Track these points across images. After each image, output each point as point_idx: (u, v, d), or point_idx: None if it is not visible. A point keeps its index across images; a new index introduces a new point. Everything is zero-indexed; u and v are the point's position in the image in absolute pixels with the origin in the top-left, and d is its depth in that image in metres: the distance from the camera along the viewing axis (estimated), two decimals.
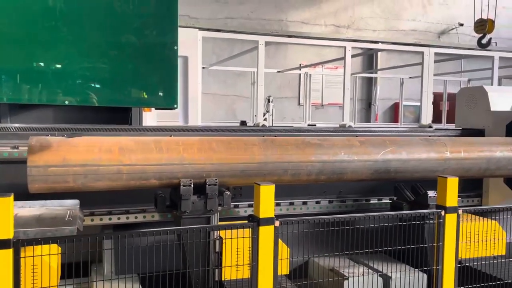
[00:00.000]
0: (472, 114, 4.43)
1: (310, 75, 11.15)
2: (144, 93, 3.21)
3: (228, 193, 2.87)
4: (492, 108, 4.26)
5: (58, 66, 3.10)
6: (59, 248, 2.22)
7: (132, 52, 3.18)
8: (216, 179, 2.78)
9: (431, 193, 3.19)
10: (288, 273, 3.00)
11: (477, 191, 4.25)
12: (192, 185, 2.74)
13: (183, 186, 2.72)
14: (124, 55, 3.17)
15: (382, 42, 12.35)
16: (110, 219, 3.20)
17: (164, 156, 2.70)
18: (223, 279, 2.77)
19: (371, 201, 3.91)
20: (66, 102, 3.12)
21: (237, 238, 2.29)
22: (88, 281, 2.86)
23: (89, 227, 3.18)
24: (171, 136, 3.32)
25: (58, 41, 3.09)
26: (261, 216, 2.23)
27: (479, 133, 4.30)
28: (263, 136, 3.64)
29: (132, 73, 3.19)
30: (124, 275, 2.70)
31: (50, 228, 2.32)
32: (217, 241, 2.76)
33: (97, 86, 3.15)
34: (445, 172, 3.26)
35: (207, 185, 2.77)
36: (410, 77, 11.02)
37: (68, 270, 2.44)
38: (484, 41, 10.16)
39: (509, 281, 3.08)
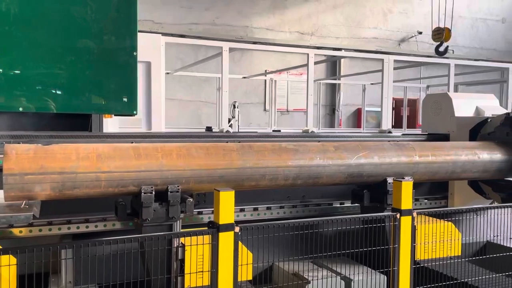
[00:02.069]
0: (437, 120, 4.59)
1: (275, 81, 11.26)
2: (103, 99, 3.16)
3: (191, 199, 2.86)
4: (456, 114, 4.42)
5: (14, 72, 3.01)
6: (14, 258, 2.16)
7: (90, 58, 3.12)
8: (178, 186, 2.78)
9: (390, 180, 3.28)
10: (251, 279, 3.01)
11: (443, 193, 4.40)
12: (154, 192, 2.72)
13: (144, 193, 2.69)
14: (81, 60, 3.11)
15: (345, 49, 12.62)
16: (69, 228, 3.13)
17: (143, 163, 2.69)
18: (185, 286, 2.75)
19: (334, 205, 3.98)
20: (20, 109, 3.03)
21: (197, 245, 2.29)
22: None
23: (47, 237, 3.10)
24: (132, 142, 3.29)
25: (13, 46, 3.00)
26: (221, 222, 2.24)
27: (444, 137, 4.45)
28: (226, 142, 3.65)
29: (90, 79, 3.14)
30: (84, 286, 2.64)
31: (4, 214, 2.24)
32: (180, 249, 2.74)
33: (54, 92, 3.08)
34: (414, 175, 3.37)
35: (169, 192, 2.75)
36: (372, 84, 11.30)
37: (25, 282, 2.37)
38: (441, 48, 10.55)
39: (463, 280, 3.20)
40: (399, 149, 3.47)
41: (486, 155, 3.75)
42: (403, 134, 4.73)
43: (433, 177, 3.65)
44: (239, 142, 3.68)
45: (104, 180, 2.60)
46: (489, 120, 4.14)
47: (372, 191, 3.45)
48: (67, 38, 3.09)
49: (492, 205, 3.73)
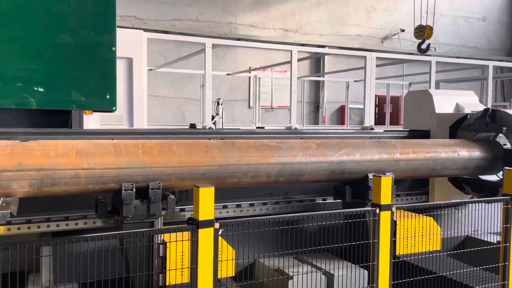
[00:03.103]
0: (418, 116, 4.64)
1: (260, 78, 11.25)
2: (80, 95, 3.12)
3: (172, 197, 2.84)
4: (437, 110, 4.48)
5: None
6: None
7: (67, 53, 3.06)
8: (159, 183, 2.76)
9: (371, 176, 3.30)
10: (233, 275, 3.02)
11: (424, 188, 4.45)
12: (135, 189, 2.69)
13: (125, 190, 2.67)
14: (59, 55, 3.05)
15: (329, 47, 12.66)
16: (48, 226, 3.09)
17: (123, 160, 2.67)
18: (167, 283, 2.74)
19: (316, 201, 4.00)
20: None
21: (176, 241, 2.28)
22: None
23: (26, 235, 3.05)
24: (113, 139, 3.25)
25: None
26: (201, 218, 2.23)
27: (425, 134, 4.51)
28: (209, 139, 3.64)
29: (68, 74, 3.08)
30: (64, 284, 2.61)
31: None
32: (161, 246, 2.73)
33: (30, 87, 3.03)
34: (396, 172, 3.40)
35: (150, 189, 2.73)
36: (355, 81, 11.37)
37: (3, 281, 2.33)
38: (423, 46, 10.64)
39: (442, 274, 3.25)
40: (380, 146, 3.51)
41: (466, 153, 3.80)
42: (385, 131, 4.77)
43: (414, 174, 3.69)
44: (222, 139, 3.68)
45: (83, 177, 2.58)
46: (468, 117, 4.20)
47: (354, 187, 3.48)
48: (44, 33, 3.04)
49: (471, 200, 3.79)
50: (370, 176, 3.31)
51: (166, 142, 2.91)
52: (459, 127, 4.24)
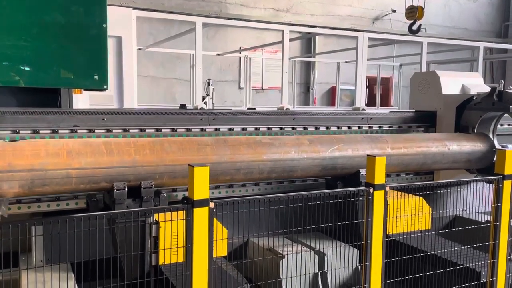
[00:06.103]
0: (424, 97, 4.66)
1: (250, 58, 11.14)
2: (71, 73, 3.06)
3: (165, 194, 2.83)
4: (444, 92, 4.49)
5: None
6: None
7: (57, 30, 2.99)
8: (151, 182, 2.74)
9: (363, 171, 3.33)
10: (226, 255, 3.03)
11: None
12: (127, 188, 2.66)
13: (117, 190, 2.64)
14: (48, 33, 2.98)
15: (320, 27, 12.55)
16: (39, 206, 3.06)
17: (115, 159, 2.65)
18: (160, 263, 2.74)
19: (308, 182, 4.01)
20: None
21: (171, 220, 2.27)
22: (18, 270, 2.73)
23: (17, 216, 3.02)
24: (103, 119, 3.21)
25: None
26: (196, 198, 2.23)
27: (432, 115, 4.54)
28: (201, 119, 3.62)
29: (58, 52, 3.02)
30: (56, 264, 2.60)
31: None
32: (154, 226, 2.72)
33: (20, 65, 2.96)
34: (387, 167, 3.40)
35: (142, 188, 2.71)
36: (346, 62, 11.32)
37: None
38: (414, 27, 10.62)
39: (433, 252, 3.30)
40: (372, 141, 3.52)
41: (456, 147, 3.83)
42: (390, 112, 4.78)
43: (406, 169, 3.74)
44: (214, 119, 3.66)
45: (75, 177, 2.55)
46: (474, 98, 4.22)
47: (346, 182, 3.48)
48: (33, 10, 2.96)
49: (461, 180, 3.82)
50: (362, 172, 3.32)
51: (158, 140, 2.91)
52: (465, 108, 4.25)
